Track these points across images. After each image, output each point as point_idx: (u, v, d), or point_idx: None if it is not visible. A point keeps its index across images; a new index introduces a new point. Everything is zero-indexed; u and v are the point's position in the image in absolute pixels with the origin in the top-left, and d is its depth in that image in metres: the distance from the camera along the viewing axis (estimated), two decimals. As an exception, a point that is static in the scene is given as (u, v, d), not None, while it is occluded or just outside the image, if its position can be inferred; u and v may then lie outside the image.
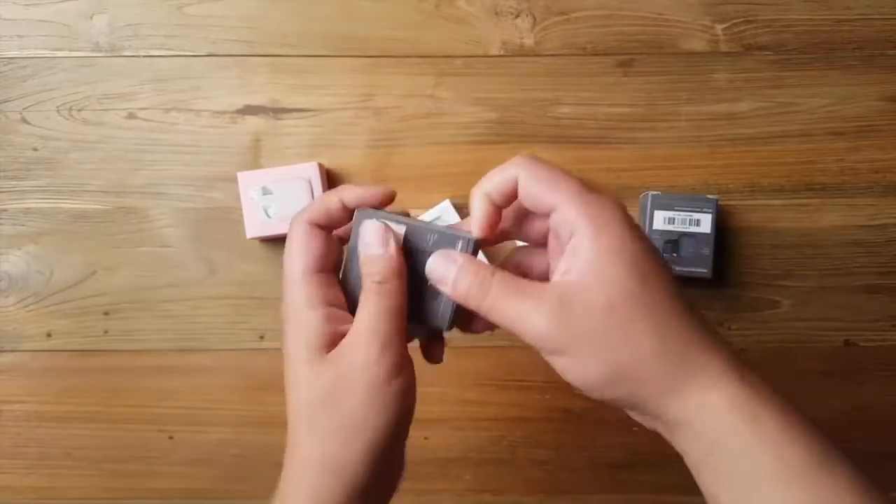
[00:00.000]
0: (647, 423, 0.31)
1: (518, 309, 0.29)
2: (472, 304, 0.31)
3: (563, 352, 0.29)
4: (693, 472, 0.30)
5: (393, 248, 0.32)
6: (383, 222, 0.32)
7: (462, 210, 0.57)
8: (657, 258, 0.30)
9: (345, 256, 0.34)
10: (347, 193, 0.33)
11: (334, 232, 0.34)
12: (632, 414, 0.31)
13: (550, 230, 0.32)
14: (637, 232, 0.30)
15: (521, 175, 0.31)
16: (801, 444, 0.28)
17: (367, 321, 0.31)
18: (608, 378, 0.28)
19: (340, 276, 0.34)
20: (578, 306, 0.28)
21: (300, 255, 0.32)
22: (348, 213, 0.33)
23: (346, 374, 0.30)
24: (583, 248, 0.29)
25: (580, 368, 0.29)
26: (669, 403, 0.29)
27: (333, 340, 0.31)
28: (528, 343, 0.30)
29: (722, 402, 0.28)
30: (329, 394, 0.30)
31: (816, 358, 0.60)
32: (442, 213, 0.57)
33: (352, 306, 0.32)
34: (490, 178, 0.32)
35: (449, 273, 0.31)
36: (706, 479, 0.29)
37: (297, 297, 0.31)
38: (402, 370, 0.31)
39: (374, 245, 0.32)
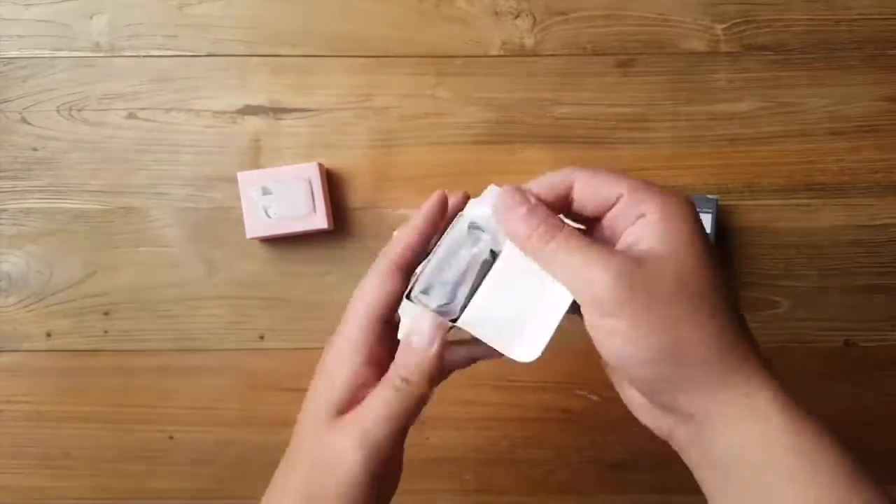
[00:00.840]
0: (655, 417, 0.30)
1: (583, 260, 0.28)
2: (532, 246, 0.29)
3: (619, 314, 0.27)
4: (701, 470, 0.29)
5: (437, 347, 0.31)
6: (437, 317, 0.31)
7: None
8: (713, 250, 0.29)
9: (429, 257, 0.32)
10: (415, 233, 0.33)
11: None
12: (651, 401, 0.30)
13: (604, 225, 0.31)
14: (702, 226, 0.29)
15: (577, 178, 0.30)
16: (837, 453, 0.27)
17: (371, 417, 0.31)
18: (658, 351, 0.27)
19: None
20: (649, 271, 0.27)
21: (373, 297, 0.32)
22: (424, 241, 0.33)
23: (330, 461, 0.30)
24: (654, 225, 0.28)
25: (633, 335, 0.27)
26: (707, 394, 0.28)
27: (351, 404, 0.31)
28: (581, 300, 0.28)
29: (763, 399, 0.28)
30: (314, 468, 0.31)
31: (816, 358, 0.60)
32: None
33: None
34: (540, 181, 0.31)
35: (519, 209, 0.30)
36: (731, 473, 0.28)
37: (346, 342, 0.32)
38: (385, 481, 0.31)
39: (423, 338, 0.31)
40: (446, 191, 0.34)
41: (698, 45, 0.59)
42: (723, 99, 0.59)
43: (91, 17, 0.59)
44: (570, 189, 0.31)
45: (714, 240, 0.56)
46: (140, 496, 0.60)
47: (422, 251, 0.34)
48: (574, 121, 0.59)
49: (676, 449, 0.31)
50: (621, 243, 0.29)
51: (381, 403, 0.30)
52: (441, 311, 0.31)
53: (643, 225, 0.29)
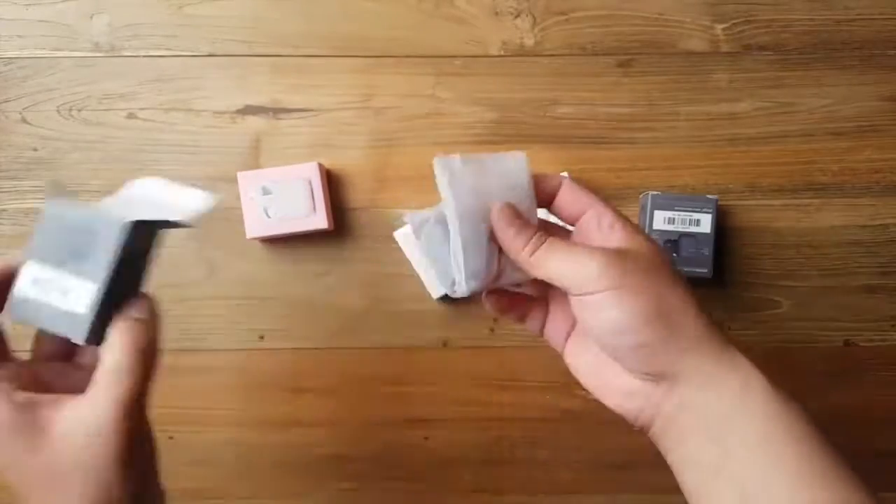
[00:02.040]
0: (630, 396, 0.34)
1: (571, 255, 0.33)
2: (526, 256, 0.34)
3: (613, 285, 0.31)
4: (694, 431, 0.32)
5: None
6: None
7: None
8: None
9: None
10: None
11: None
12: (635, 370, 0.33)
13: (577, 227, 0.36)
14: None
15: (566, 181, 0.36)
16: (817, 440, 0.32)
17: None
18: (650, 314, 0.31)
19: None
20: (628, 257, 0.32)
21: None
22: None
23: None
24: (621, 231, 0.34)
25: (628, 302, 0.31)
26: (693, 356, 0.32)
27: None
28: (575, 285, 0.32)
29: (748, 365, 0.33)
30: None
31: (816, 358, 0.60)
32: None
33: None
34: (541, 178, 0.36)
35: (509, 230, 0.34)
36: (711, 442, 0.32)
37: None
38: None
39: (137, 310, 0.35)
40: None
41: (698, 45, 0.59)
42: (723, 99, 0.59)
43: (91, 18, 0.59)
44: (557, 190, 0.36)
45: (714, 240, 0.56)
46: (140, 496, 0.60)
47: None
48: (574, 121, 0.59)
49: (645, 421, 0.34)
50: (596, 244, 0.34)
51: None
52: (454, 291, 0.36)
53: (611, 231, 0.34)
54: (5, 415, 0.31)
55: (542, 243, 0.34)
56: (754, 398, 0.32)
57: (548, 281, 0.34)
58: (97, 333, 0.34)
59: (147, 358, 0.34)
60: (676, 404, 0.32)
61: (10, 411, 0.31)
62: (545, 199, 0.36)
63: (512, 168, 0.35)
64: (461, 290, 0.35)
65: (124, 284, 0.35)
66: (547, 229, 0.36)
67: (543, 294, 0.39)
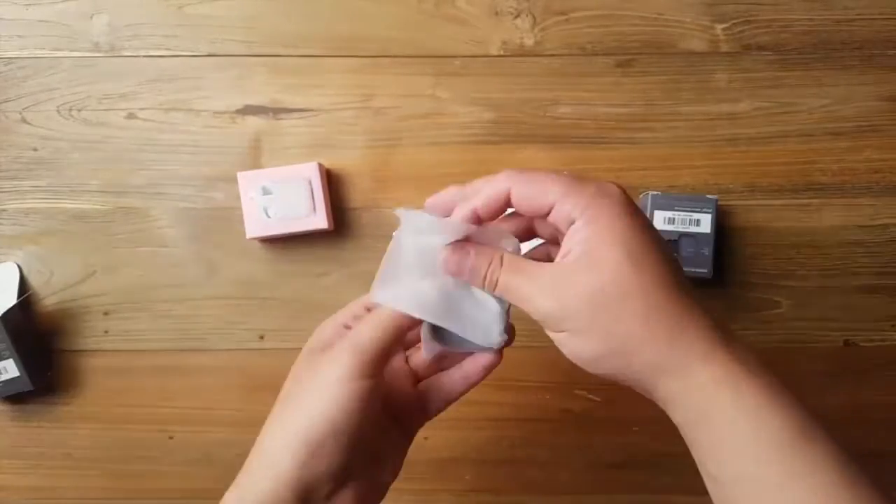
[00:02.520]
0: (646, 395, 0.33)
1: (525, 289, 0.32)
2: (490, 288, 0.33)
3: (561, 327, 0.31)
4: (687, 443, 0.32)
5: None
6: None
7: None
8: (650, 238, 0.31)
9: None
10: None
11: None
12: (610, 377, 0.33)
13: (556, 228, 0.34)
14: (630, 215, 0.31)
15: (512, 187, 0.32)
16: (781, 416, 0.29)
17: (359, 331, 0.34)
18: (601, 353, 0.31)
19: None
20: (572, 286, 0.31)
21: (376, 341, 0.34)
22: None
23: (321, 371, 0.33)
24: (578, 234, 0.31)
25: (576, 342, 0.31)
26: (658, 382, 0.31)
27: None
28: (535, 318, 0.32)
29: (707, 380, 0.30)
30: (305, 388, 0.34)
31: (816, 358, 0.60)
32: None
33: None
34: (479, 193, 0.33)
35: (464, 266, 0.34)
36: (696, 450, 0.31)
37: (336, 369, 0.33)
38: (373, 403, 0.33)
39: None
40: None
41: (698, 45, 0.59)
42: (722, 99, 0.59)
43: (91, 18, 0.59)
44: (507, 198, 0.33)
45: (714, 240, 0.56)
46: (140, 496, 0.60)
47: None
48: (574, 121, 0.59)
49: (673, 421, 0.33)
50: (558, 256, 0.32)
51: (369, 322, 0.34)
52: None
53: (573, 233, 0.31)
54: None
55: (496, 274, 0.33)
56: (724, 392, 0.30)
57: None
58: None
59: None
60: (676, 422, 0.32)
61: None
62: (491, 214, 0.34)
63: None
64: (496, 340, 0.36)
65: None
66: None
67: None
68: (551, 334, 0.32)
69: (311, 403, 0.32)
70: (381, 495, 0.36)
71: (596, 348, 0.31)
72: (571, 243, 0.31)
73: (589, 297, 0.30)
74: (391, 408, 0.37)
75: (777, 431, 0.29)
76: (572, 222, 0.31)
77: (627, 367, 0.31)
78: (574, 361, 0.32)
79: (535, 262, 0.33)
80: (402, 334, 0.34)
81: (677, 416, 0.31)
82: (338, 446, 0.32)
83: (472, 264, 0.34)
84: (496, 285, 0.33)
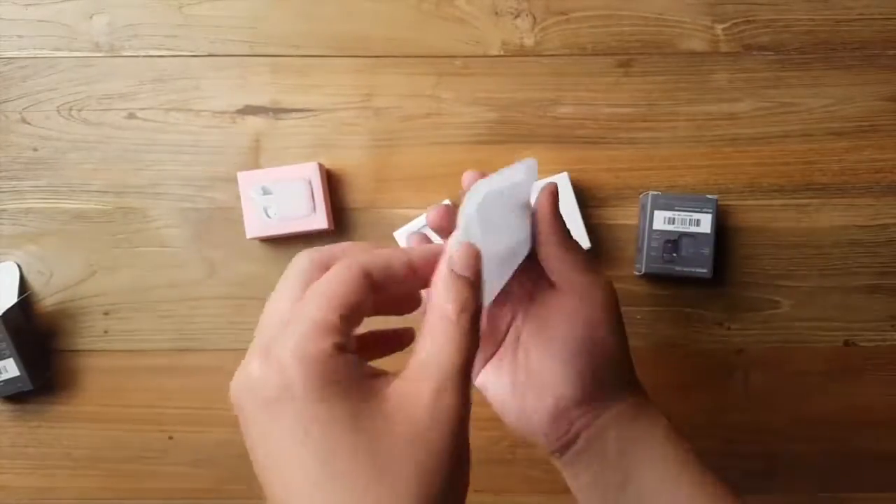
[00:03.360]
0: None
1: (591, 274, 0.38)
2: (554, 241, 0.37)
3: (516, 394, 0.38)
4: (594, 450, 0.38)
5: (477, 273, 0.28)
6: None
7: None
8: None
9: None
10: (417, 254, 0.28)
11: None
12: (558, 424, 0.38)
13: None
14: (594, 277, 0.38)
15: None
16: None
17: (437, 354, 0.26)
18: (555, 413, 0.37)
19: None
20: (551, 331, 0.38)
21: (334, 298, 0.25)
22: (409, 279, 0.28)
23: (394, 412, 0.24)
24: (561, 270, 0.37)
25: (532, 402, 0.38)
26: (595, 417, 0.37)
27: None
28: (584, 296, 0.37)
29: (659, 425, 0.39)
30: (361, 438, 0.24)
31: (816, 358, 0.60)
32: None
33: None
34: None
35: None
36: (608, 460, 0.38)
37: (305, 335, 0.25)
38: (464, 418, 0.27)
39: (466, 267, 0.27)
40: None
41: (698, 45, 0.59)
42: (723, 99, 0.59)
43: (91, 17, 0.59)
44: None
45: (714, 240, 0.56)
46: (140, 496, 0.60)
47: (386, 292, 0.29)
48: (574, 121, 0.59)
49: (569, 438, 0.38)
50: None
51: (445, 339, 0.26)
52: None
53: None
54: (346, 383, 0.24)
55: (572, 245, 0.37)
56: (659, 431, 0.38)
57: (560, 268, 0.37)
58: None
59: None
60: (601, 425, 0.37)
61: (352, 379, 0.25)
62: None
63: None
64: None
65: None
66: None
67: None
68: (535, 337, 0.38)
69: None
70: None
71: (548, 409, 0.37)
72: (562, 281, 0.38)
73: (573, 324, 0.37)
74: None
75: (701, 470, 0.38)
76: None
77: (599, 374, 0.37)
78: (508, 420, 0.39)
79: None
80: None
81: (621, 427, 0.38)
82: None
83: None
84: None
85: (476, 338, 0.27)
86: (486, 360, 0.39)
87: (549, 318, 0.37)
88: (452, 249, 0.28)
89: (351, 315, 0.26)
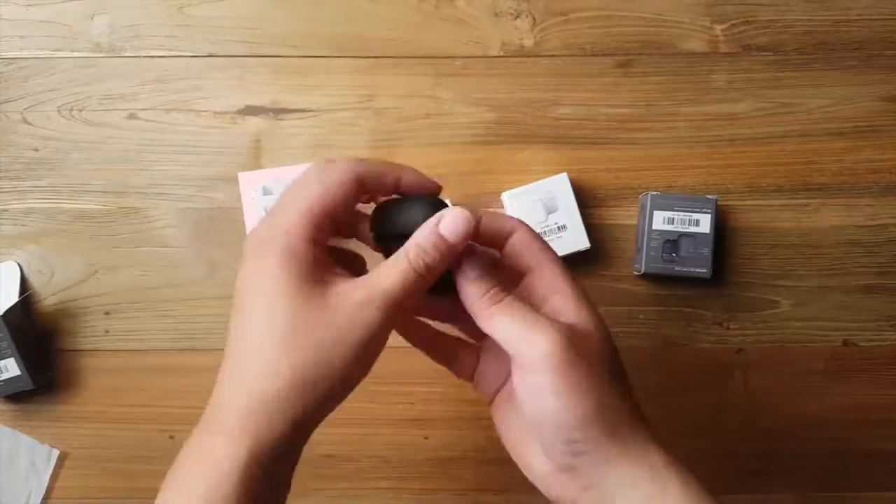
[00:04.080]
0: (560, 485, 0.32)
1: (526, 324, 0.30)
2: (481, 306, 0.32)
3: (560, 374, 0.29)
4: None
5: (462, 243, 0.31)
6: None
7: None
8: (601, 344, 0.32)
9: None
10: (407, 176, 0.34)
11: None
12: (561, 464, 0.32)
13: (525, 283, 0.34)
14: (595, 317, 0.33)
15: (520, 229, 0.34)
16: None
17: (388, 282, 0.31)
18: (590, 412, 0.30)
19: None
20: (578, 341, 0.31)
21: (324, 193, 0.31)
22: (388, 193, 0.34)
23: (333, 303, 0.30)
24: (573, 303, 0.32)
25: (571, 394, 0.30)
26: (610, 464, 0.30)
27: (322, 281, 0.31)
28: (523, 359, 0.30)
29: (665, 470, 0.31)
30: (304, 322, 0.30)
31: (816, 358, 0.60)
32: (555, 186, 0.56)
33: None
34: (492, 217, 0.33)
35: (471, 273, 0.32)
36: None
37: (293, 227, 0.31)
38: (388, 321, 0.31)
39: (455, 233, 0.31)
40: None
41: (697, 45, 0.59)
42: (722, 99, 0.59)
43: (92, 18, 0.59)
44: (508, 236, 0.34)
45: (713, 240, 0.56)
46: (140, 496, 0.60)
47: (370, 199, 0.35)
48: (574, 121, 0.59)
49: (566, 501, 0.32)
50: (544, 313, 0.32)
51: (395, 273, 0.31)
52: None
53: (562, 301, 0.32)
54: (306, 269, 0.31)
55: (501, 300, 0.31)
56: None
57: (493, 338, 0.31)
58: None
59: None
60: (595, 497, 0.31)
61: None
62: (491, 242, 0.34)
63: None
64: None
65: None
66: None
67: (476, 339, 0.37)
68: (538, 379, 0.30)
69: (334, 348, 0.30)
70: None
71: (589, 403, 0.30)
72: (561, 307, 0.33)
73: (591, 354, 0.31)
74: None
75: None
76: (558, 291, 0.33)
77: (601, 438, 0.30)
78: (553, 413, 0.30)
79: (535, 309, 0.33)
80: (412, 296, 0.31)
81: (617, 496, 0.30)
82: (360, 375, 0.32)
83: (478, 276, 0.32)
84: (495, 305, 0.32)
85: (421, 285, 0.31)
86: (496, 389, 0.36)
87: (514, 380, 0.32)
88: (450, 209, 0.31)
89: (326, 217, 0.32)
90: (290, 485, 0.32)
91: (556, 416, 0.30)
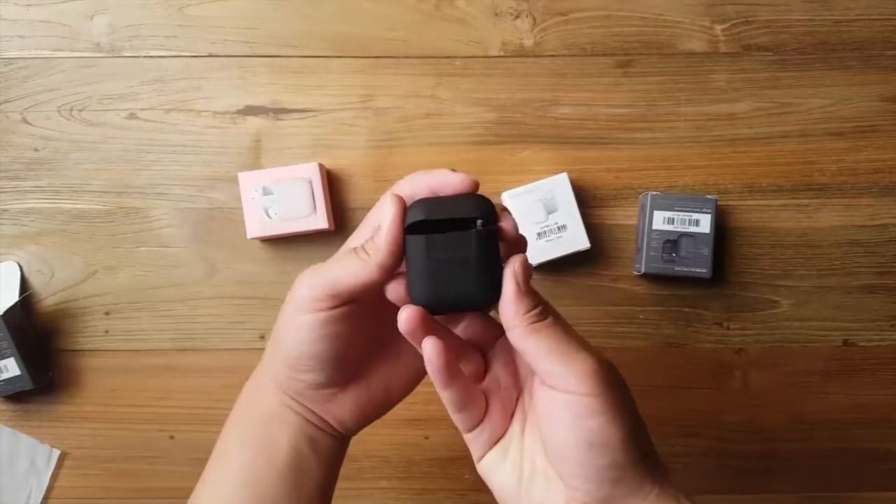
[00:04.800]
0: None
1: (568, 345, 0.30)
2: (522, 323, 0.30)
3: (604, 394, 0.29)
4: None
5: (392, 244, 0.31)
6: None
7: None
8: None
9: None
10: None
11: None
12: (600, 489, 0.31)
13: None
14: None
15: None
16: None
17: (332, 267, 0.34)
18: (633, 433, 0.30)
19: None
20: (608, 365, 0.31)
21: (331, 284, 0.34)
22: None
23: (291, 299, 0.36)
24: (586, 344, 0.32)
25: (616, 412, 0.30)
26: (633, 495, 0.30)
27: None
28: (554, 374, 0.30)
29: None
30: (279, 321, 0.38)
31: (816, 358, 0.60)
32: (555, 186, 0.57)
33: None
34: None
35: (517, 289, 0.31)
36: None
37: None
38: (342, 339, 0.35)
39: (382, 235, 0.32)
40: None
41: (697, 45, 0.59)
42: (722, 99, 0.59)
43: (92, 18, 0.59)
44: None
45: (713, 240, 0.56)
46: (140, 496, 0.60)
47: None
48: (574, 121, 0.59)
49: None
50: None
51: (344, 263, 0.34)
52: None
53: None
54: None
55: (546, 318, 0.31)
56: None
57: (527, 358, 0.31)
58: None
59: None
60: None
61: None
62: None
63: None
64: None
65: None
66: None
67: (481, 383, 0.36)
68: (574, 398, 0.30)
69: (280, 334, 0.37)
70: (384, 407, 0.40)
71: (627, 425, 0.30)
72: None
73: (620, 381, 0.31)
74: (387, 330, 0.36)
75: None
76: None
77: (638, 462, 0.30)
78: (587, 437, 0.29)
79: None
80: (362, 288, 0.33)
81: None
82: (313, 364, 0.36)
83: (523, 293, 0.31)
84: (539, 322, 0.31)
85: (369, 277, 0.32)
86: (492, 443, 0.34)
87: (541, 407, 0.32)
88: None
89: (339, 296, 0.34)
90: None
91: (601, 435, 0.29)
